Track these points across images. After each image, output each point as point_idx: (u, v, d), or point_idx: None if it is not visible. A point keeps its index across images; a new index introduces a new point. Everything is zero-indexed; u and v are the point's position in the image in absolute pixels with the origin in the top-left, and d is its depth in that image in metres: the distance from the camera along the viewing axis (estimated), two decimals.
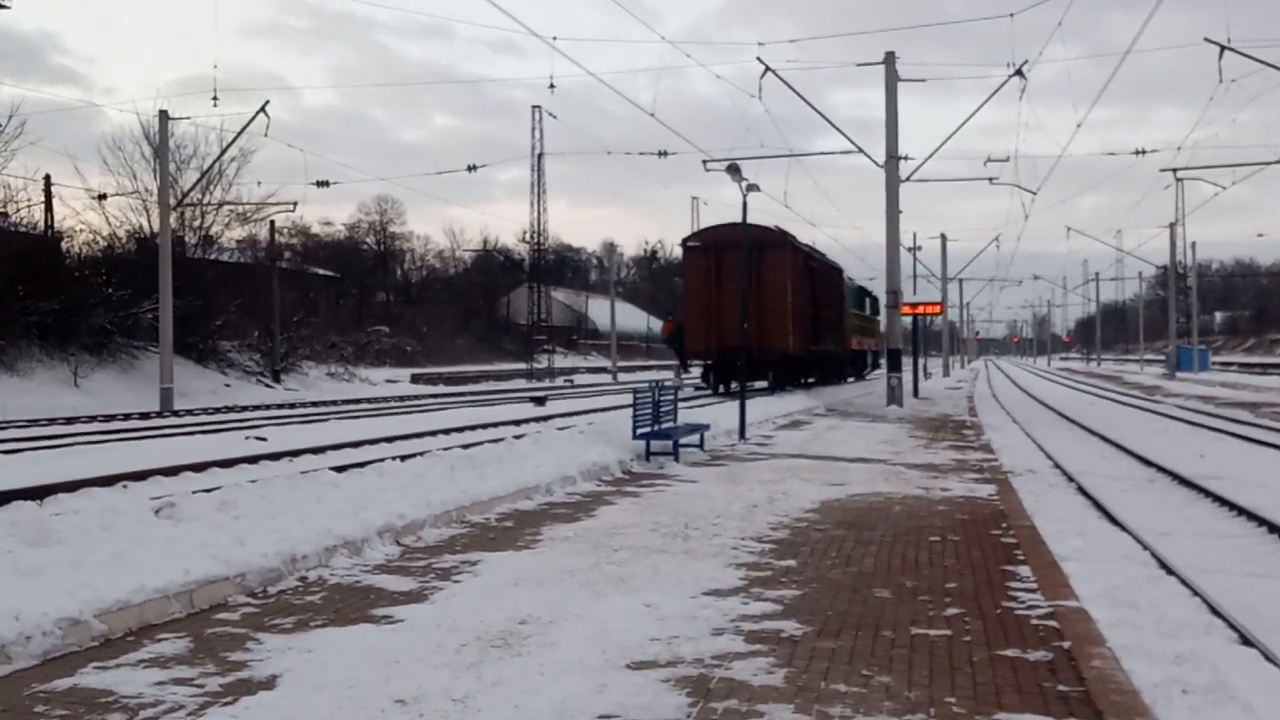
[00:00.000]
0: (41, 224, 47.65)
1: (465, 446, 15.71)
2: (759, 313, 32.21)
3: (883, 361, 61.79)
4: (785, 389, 36.14)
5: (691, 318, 35.77)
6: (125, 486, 12.99)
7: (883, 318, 58.39)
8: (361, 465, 13.39)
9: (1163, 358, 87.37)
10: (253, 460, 15.99)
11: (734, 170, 22.68)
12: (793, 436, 22.31)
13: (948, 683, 5.66)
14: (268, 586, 7.95)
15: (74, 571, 7.10)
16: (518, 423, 22.97)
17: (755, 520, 11.13)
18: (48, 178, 48.48)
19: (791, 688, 5.55)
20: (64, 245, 47.08)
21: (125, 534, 8.24)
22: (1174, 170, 56.46)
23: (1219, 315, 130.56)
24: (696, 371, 41.31)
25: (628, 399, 19.61)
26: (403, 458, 14.04)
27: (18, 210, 46.31)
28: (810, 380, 42.67)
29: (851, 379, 55.87)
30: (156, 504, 9.66)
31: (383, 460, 13.76)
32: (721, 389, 37.74)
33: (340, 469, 12.96)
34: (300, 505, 10.00)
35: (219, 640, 6.51)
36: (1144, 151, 53.70)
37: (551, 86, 64.50)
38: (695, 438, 18.72)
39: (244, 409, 34.68)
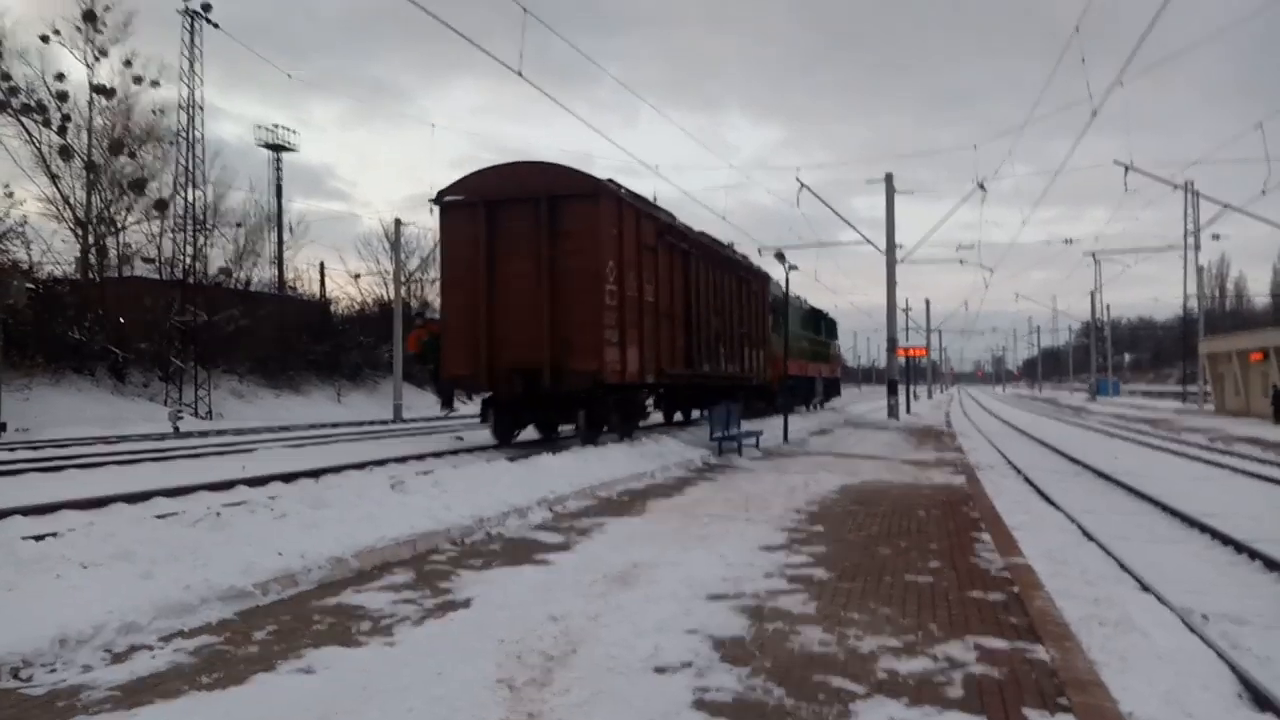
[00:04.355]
0: (318, 294, 49.67)
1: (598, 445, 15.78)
2: (553, 313, 14.39)
3: (842, 390, 54.82)
4: (599, 442, 14.90)
5: (451, 320, 15.26)
6: (371, 469, 13.33)
7: (840, 343, 51.14)
8: (527, 457, 13.56)
9: (1086, 387, 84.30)
10: (454, 453, 16.29)
11: (780, 256, 22.53)
12: (821, 440, 21.99)
13: (931, 614, 5.55)
14: (465, 538, 8.08)
15: (339, 526, 7.28)
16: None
17: (795, 498, 11.01)
18: (322, 264, 50.97)
19: (820, 615, 5.49)
20: (332, 308, 48.56)
21: (372, 501, 8.41)
22: (1094, 253, 54.95)
23: (1128, 356, 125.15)
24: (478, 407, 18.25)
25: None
26: (553, 452, 14.14)
27: (302, 285, 49.39)
28: (682, 419, 22.04)
29: (803, 408, 31.23)
30: (392, 481, 9.90)
31: (540, 454, 13.89)
32: (517, 436, 16.87)
33: (512, 459, 13.14)
34: (486, 484, 10.13)
35: (433, 574, 6.63)
36: (1072, 240, 52.45)
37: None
38: (753, 440, 18.56)
39: (449, 419, 35.28)
